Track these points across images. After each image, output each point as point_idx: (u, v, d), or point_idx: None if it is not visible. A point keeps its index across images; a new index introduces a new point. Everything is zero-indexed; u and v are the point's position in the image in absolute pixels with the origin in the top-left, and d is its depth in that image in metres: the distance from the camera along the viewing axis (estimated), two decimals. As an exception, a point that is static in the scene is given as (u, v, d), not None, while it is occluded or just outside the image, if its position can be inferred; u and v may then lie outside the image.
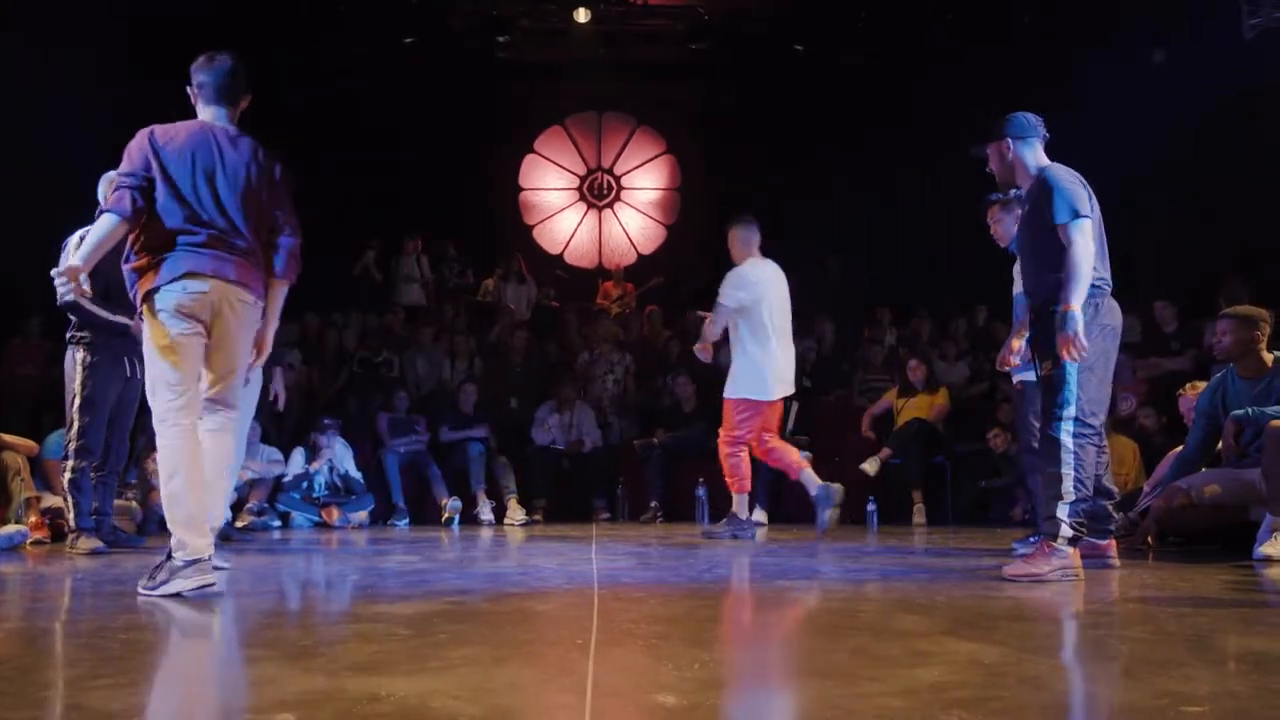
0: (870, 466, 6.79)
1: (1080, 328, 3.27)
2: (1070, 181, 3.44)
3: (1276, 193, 7.68)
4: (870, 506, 6.76)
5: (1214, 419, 4.50)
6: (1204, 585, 3.23)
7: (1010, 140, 3.59)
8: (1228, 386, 4.47)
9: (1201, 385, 4.82)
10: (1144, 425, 6.35)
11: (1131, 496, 5.32)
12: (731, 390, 5.51)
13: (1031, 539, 4.82)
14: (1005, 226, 4.83)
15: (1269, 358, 4.37)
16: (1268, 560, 3.93)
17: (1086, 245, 3.33)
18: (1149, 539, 4.60)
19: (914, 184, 9.69)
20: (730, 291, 5.45)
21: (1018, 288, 4.64)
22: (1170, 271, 7.94)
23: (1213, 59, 7.60)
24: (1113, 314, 3.49)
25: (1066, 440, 3.33)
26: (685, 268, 11.78)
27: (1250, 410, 4.25)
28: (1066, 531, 3.31)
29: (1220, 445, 4.49)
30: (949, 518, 7.01)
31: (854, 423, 7.50)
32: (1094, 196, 3.50)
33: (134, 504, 5.80)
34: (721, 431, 5.60)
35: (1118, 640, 2.23)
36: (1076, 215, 3.35)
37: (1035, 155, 3.61)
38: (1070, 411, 3.34)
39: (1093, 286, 3.39)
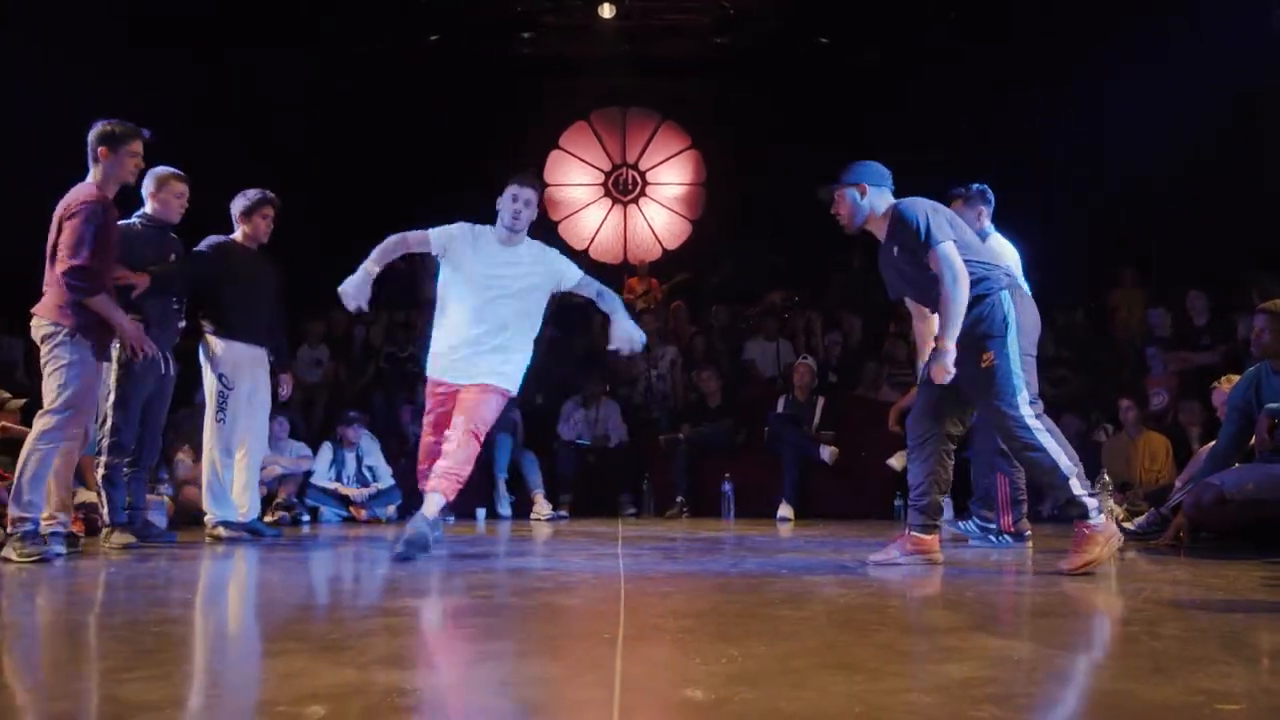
0: (897, 461, 6.72)
1: (951, 362, 3.33)
2: (922, 208, 3.47)
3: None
4: (898, 502, 6.73)
5: (1247, 413, 4.43)
6: (1237, 582, 3.18)
7: (868, 185, 3.63)
8: (1262, 381, 4.41)
9: (1235, 379, 4.75)
10: (1181, 421, 6.30)
11: (1163, 492, 5.26)
12: (512, 384, 4.32)
13: (961, 524, 4.99)
14: (965, 221, 4.89)
15: None
16: (1303, 557, 3.89)
17: (956, 275, 3.35)
18: (1181, 535, 4.54)
19: (936, 180, 9.61)
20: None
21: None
22: (1193, 267, 7.87)
23: (1228, 53, 7.52)
24: (1030, 303, 3.52)
25: (1034, 423, 3.33)
26: (710, 262, 11.75)
27: (1286, 404, 4.19)
28: (1092, 503, 3.30)
29: (1254, 440, 4.43)
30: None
31: (880, 418, 7.45)
32: (950, 215, 3.56)
33: (166, 499, 5.87)
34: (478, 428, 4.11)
35: (1150, 637, 2.20)
36: (938, 240, 3.38)
37: (885, 202, 3.64)
38: (1025, 395, 3.35)
39: (1010, 276, 3.52)
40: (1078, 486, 3.30)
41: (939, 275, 3.38)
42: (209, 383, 5.06)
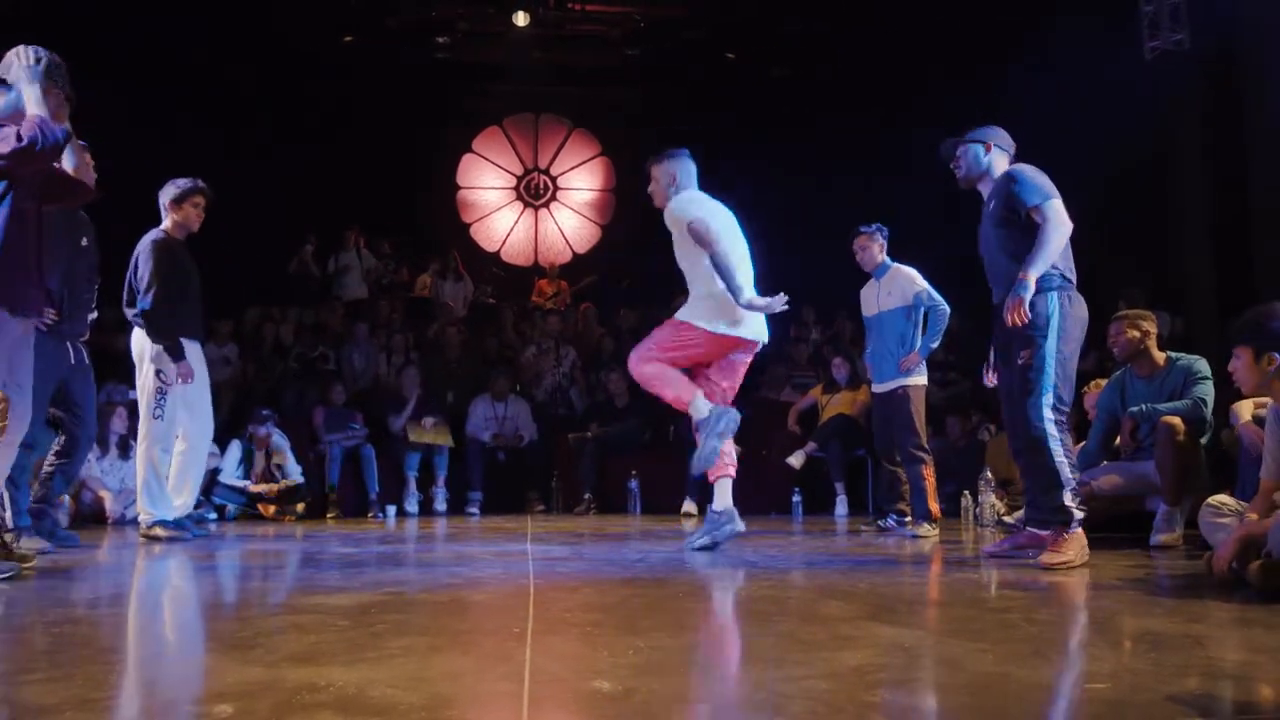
0: (795, 460, 6.95)
1: (1029, 296, 3.41)
2: (1036, 171, 3.61)
3: (1173, 203, 8.09)
4: (795, 498, 6.95)
5: (1114, 415, 4.74)
6: (1105, 571, 3.39)
7: (993, 145, 3.76)
8: (1126, 385, 4.71)
9: (1103, 383, 5.06)
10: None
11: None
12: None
13: (881, 522, 5.33)
14: (870, 254, 5.36)
15: (1161, 357, 4.62)
16: (1162, 547, 4.20)
17: (1059, 223, 3.47)
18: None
19: (840, 189, 9.86)
20: None
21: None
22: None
23: (1116, 77, 7.98)
24: (1080, 307, 3.60)
25: (1051, 429, 3.44)
26: (619, 266, 11.83)
27: (1145, 406, 4.49)
28: (1078, 514, 3.45)
29: (1119, 440, 4.74)
30: (869, 508, 7.19)
31: (781, 418, 7.65)
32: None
33: (67, 498, 5.61)
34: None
35: (1027, 623, 2.34)
36: (1048, 196, 3.50)
37: (1001, 167, 3.77)
38: (1048, 399, 3.45)
39: (1063, 279, 3.54)
40: (1069, 498, 3.44)
41: (1043, 224, 3.44)
42: (145, 379, 4.89)
